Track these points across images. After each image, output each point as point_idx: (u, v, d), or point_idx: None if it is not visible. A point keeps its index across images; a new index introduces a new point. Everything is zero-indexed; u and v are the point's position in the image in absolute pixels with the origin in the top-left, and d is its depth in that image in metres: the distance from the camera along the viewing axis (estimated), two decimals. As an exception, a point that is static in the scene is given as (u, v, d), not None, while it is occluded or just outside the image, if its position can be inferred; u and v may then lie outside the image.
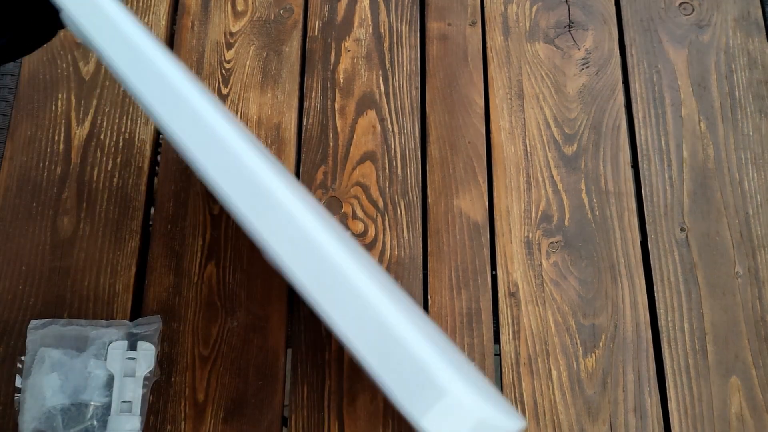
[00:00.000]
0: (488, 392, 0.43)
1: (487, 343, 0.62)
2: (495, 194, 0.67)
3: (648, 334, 0.62)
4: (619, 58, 0.73)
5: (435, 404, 0.32)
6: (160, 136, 0.70)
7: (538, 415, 0.60)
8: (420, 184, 0.68)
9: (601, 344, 0.62)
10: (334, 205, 0.67)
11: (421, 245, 0.65)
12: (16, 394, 0.58)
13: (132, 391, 0.57)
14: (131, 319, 0.62)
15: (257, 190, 0.36)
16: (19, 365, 0.59)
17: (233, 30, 0.74)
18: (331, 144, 0.69)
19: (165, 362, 0.61)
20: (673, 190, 0.67)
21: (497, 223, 0.66)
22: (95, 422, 0.56)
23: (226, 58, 0.72)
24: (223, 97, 0.71)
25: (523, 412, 0.60)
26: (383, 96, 0.71)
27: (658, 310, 0.63)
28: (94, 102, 0.70)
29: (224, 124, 0.38)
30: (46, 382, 0.56)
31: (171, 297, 0.63)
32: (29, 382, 0.57)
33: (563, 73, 0.72)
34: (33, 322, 0.60)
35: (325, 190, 0.67)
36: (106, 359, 0.57)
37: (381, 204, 0.67)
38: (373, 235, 0.66)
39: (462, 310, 0.63)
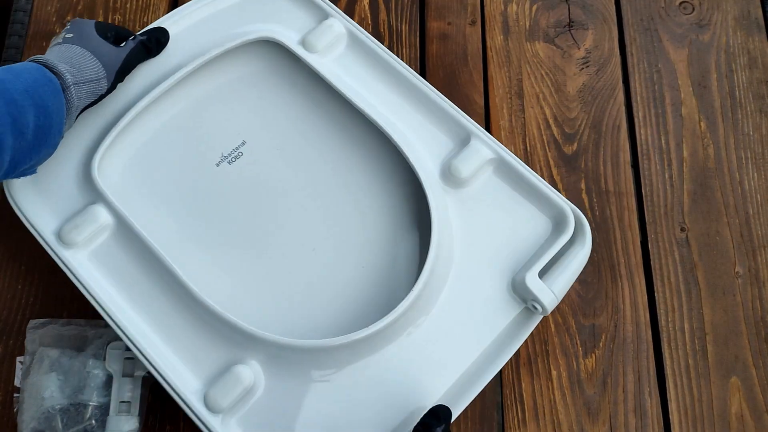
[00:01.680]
0: None
1: (486, 343, 0.62)
2: (495, 194, 0.67)
3: (648, 334, 0.62)
4: (619, 57, 0.73)
5: None
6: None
7: (538, 415, 0.60)
8: (420, 184, 0.68)
9: (601, 344, 0.62)
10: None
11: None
12: (15, 394, 0.58)
13: (131, 392, 0.57)
14: (130, 319, 0.62)
15: None
16: (18, 365, 0.59)
17: (233, 29, 0.73)
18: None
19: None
20: (673, 190, 0.67)
21: (497, 223, 0.66)
22: (94, 422, 0.56)
23: (226, 58, 0.72)
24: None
25: (523, 412, 0.60)
26: (383, 95, 0.71)
27: (658, 311, 0.63)
28: (93, 101, 0.70)
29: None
30: (45, 382, 0.56)
31: (170, 297, 0.63)
32: (28, 382, 0.57)
33: (563, 73, 0.72)
34: (32, 322, 0.60)
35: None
36: (105, 359, 0.57)
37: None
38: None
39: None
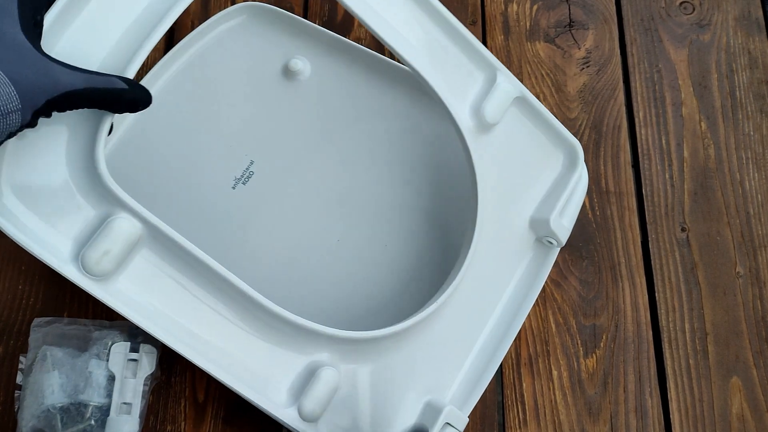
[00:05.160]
0: None
1: (487, 343, 0.62)
2: (495, 194, 0.67)
3: (649, 334, 0.62)
4: (620, 57, 0.73)
5: None
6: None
7: (539, 415, 0.60)
8: (420, 184, 0.68)
9: (601, 344, 0.62)
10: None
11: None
12: (16, 392, 0.58)
13: (132, 393, 0.57)
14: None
15: None
16: (20, 363, 0.59)
17: (233, 29, 0.73)
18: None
19: (165, 362, 0.60)
20: (673, 190, 0.67)
21: (498, 223, 0.66)
22: (93, 422, 0.56)
23: (226, 57, 0.72)
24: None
25: (524, 412, 0.60)
26: (383, 95, 0.71)
27: (658, 311, 0.63)
28: (94, 101, 0.69)
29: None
30: (47, 380, 0.56)
31: (171, 297, 0.63)
32: (30, 380, 0.57)
33: (564, 73, 0.72)
34: (36, 320, 0.60)
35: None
36: (107, 360, 0.57)
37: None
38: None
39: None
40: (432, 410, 0.52)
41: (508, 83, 0.54)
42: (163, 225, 0.45)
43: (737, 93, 0.71)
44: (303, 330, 0.49)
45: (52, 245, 0.44)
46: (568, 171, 0.59)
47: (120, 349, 0.58)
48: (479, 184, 0.54)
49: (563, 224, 0.56)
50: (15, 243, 0.64)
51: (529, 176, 0.58)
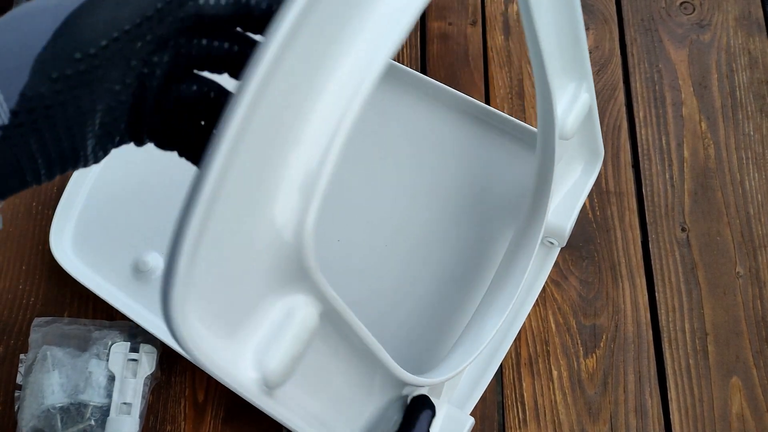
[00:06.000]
0: None
1: (487, 343, 0.62)
2: (496, 194, 0.67)
3: (649, 334, 0.62)
4: (620, 57, 0.73)
5: None
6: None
7: (538, 415, 0.60)
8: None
9: (601, 344, 0.62)
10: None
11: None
12: (16, 392, 0.58)
13: (132, 393, 0.57)
14: (131, 319, 0.62)
15: None
16: (20, 363, 0.59)
17: (233, 29, 0.73)
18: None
19: (165, 362, 0.60)
20: (674, 190, 0.67)
21: (498, 223, 0.66)
22: (93, 423, 0.56)
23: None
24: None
25: (524, 412, 0.60)
26: (384, 95, 0.71)
27: (659, 311, 0.63)
28: (94, 101, 0.69)
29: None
30: (47, 380, 0.56)
31: (171, 297, 0.63)
32: (30, 380, 0.57)
33: (564, 73, 0.72)
34: (37, 320, 0.60)
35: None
36: (108, 360, 0.57)
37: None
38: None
39: (463, 310, 0.63)
40: (454, 423, 0.49)
41: (587, 94, 0.48)
42: (344, 307, 0.33)
43: (737, 93, 0.71)
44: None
45: (239, 365, 0.29)
46: (584, 176, 0.58)
47: (120, 349, 0.58)
48: (552, 199, 0.52)
49: (569, 226, 0.56)
50: (15, 244, 0.64)
51: (559, 180, 0.55)
